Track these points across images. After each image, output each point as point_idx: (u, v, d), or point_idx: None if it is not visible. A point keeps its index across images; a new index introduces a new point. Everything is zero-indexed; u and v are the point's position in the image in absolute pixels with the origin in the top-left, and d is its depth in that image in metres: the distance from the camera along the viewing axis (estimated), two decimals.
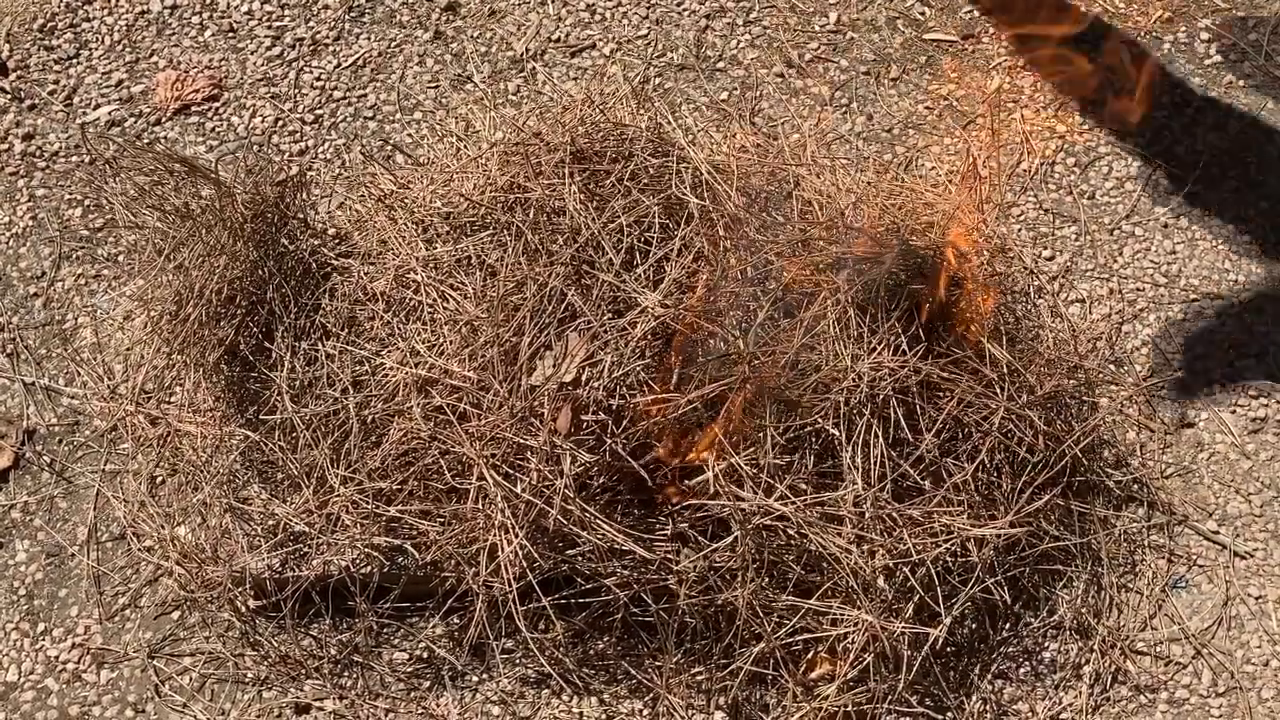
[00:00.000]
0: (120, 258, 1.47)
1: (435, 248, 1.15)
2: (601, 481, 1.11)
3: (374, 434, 1.15)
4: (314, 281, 1.22)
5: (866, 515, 1.12)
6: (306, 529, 1.14)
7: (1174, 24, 1.65)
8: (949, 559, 1.16)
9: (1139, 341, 1.43)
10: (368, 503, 1.12)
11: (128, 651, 1.27)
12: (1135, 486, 1.33)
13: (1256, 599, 1.29)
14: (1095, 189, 1.53)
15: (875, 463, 1.13)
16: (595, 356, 1.09)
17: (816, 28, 1.65)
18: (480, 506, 1.09)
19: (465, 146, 1.28)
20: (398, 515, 1.11)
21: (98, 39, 1.64)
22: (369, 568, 1.18)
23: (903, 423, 1.13)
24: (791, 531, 1.13)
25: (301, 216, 1.26)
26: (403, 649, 1.25)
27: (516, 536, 1.07)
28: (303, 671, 1.24)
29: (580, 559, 1.14)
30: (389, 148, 1.54)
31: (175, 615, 1.28)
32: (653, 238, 1.16)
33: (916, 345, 1.18)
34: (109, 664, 1.26)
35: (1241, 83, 1.62)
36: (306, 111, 1.57)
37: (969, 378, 1.21)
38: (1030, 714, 1.24)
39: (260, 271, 1.20)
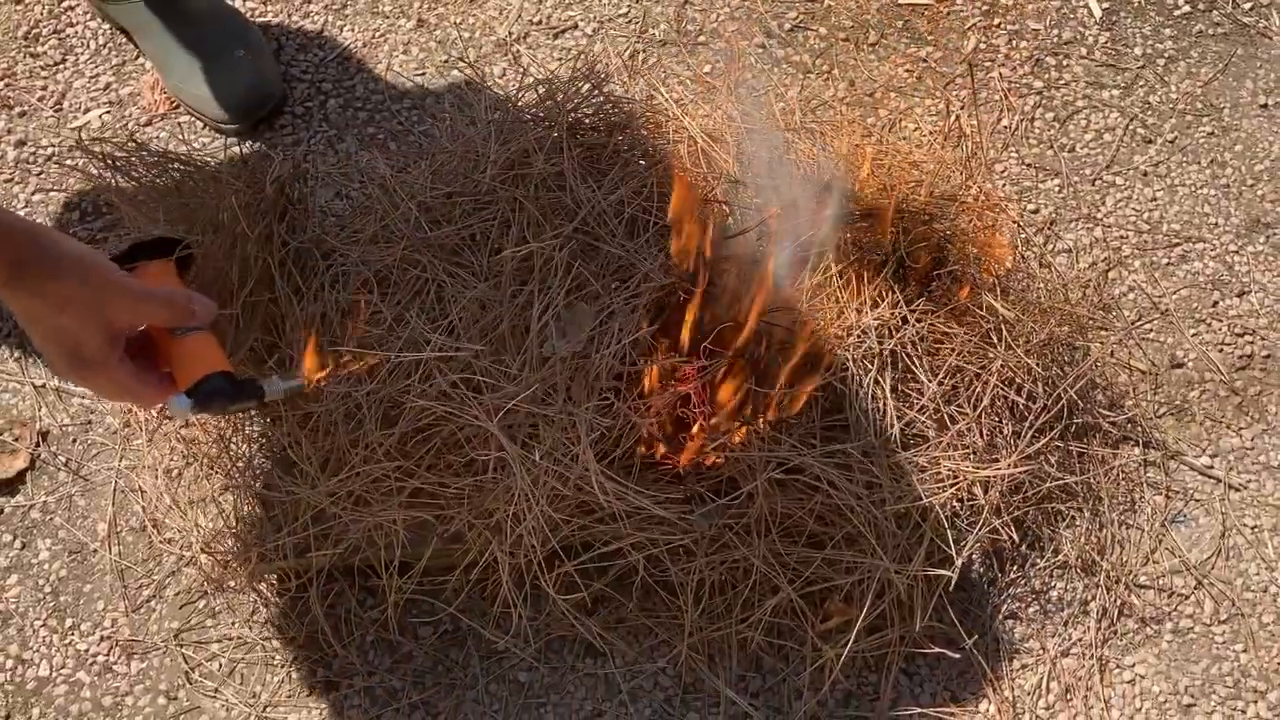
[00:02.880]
0: None
1: (441, 228, 1.17)
2: (619, 450, 1.14)
3: (390, 414, 1.17)
4: (318, 270, 1.24)
5: (876, 464, 1.15)
6: (331, 507, 1.16)
7: None
8: (956, 503, 1.20)
9: (1125, 287, 1.47)
10: (389, 478, 1.14)
11: (156, 641, 1.29)
12: (1130, 426, 1.37)
13: (1252, 529, 1.34)
14: (1075, 141, 1.57)
15: (881, 413, 1.17)
16: (604, 324, 1.11)
17: None
18: (499, 476, 1.11)
19: (462, 127, 1.29)
20: (419, 487, 1.13)
21: (83, 44, 1.65)
22: (392, 544, 1.21)
23: (914, 369, 1.16)
24: (802, 484, 1.16)
25: (302, 206, 1.28)
26: (428, 622, 1.28)
27: (537, 504, 1.09)
28: (330, 650, 1.27)
29: (599, 524, 1.16)
30: (381, 135, 1.56)
31: (200, 603, 1.30)
32: (652, 206, 1.19)
33: (915, 300, 1.22)
34: (138, 654, 1.28)
35: (1211, 31, 1.65)
36: (297, 105, 1.59)
37: (965, 330, 1.25)
38: (1041, 651, 1.27)
39: (265, 262, 1.21)
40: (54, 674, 1.28)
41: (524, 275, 1.16)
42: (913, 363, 1.20)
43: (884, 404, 1.17)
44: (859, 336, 1.17)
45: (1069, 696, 1.26)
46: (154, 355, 0.98)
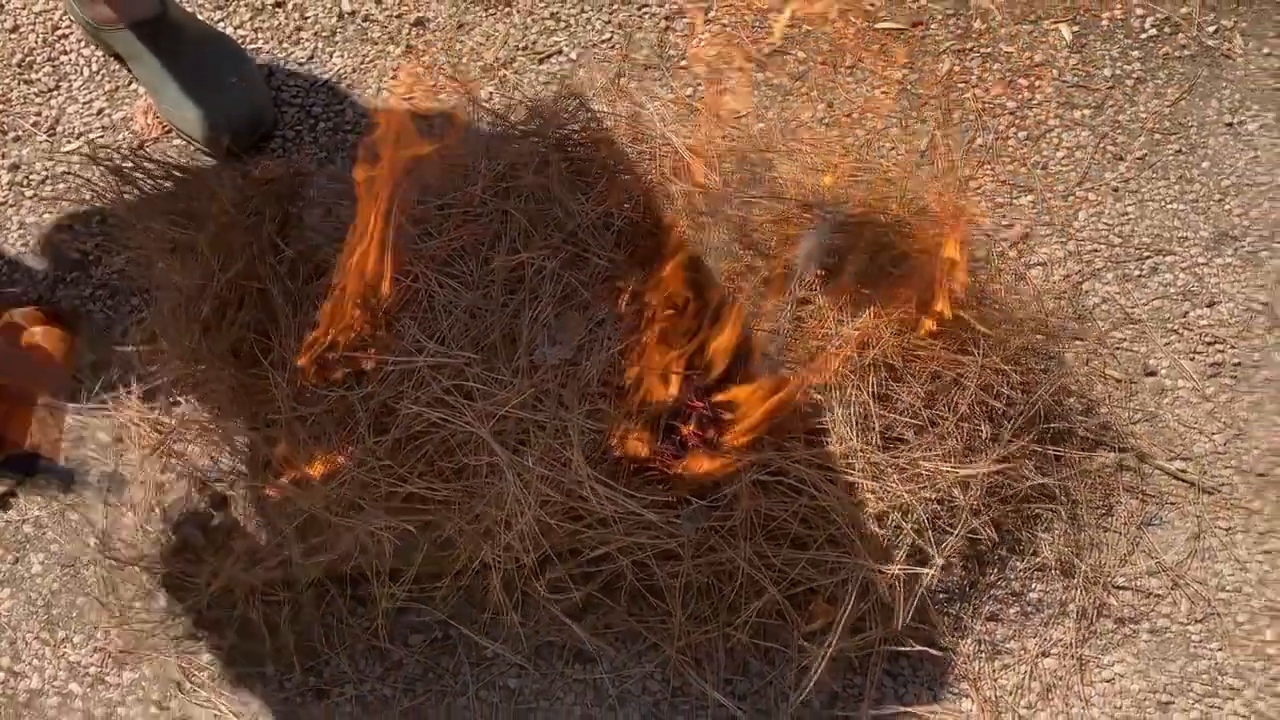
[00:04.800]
0: (114, 279, 1.51)
1: (432, 239, 1.20)
2: (609, 457, 1.16)
3: (382, 421, 1.19)
4: (312, 279, 1.26)
5: (856, 465, 1.18)
6: (326, 515, 1.18)
7: (1110, 2, 1.74)
8: (936, 505, 1.22)
9: (1099, 299, 1.51)
10: (379, 484, 1.16)
11: (148, 652, 1.30)
12: (1104, 432, 1.40)
13: (1225, 530, 1.37)
14: (1047, 159, 1.61)
15: (862, 416, 1.19)
16: (594, 332, 1.14)
17: (773, 23, 1.73)
18: (491, 481, 1.13)
19: (453, 143, 1.33)
20: (412, 493, 1.15)
21: (76, 70, 1.68)
22: (383, 551, 1.22)
23: (894, 376, 1.19)
24: (785, 487, 1.19)
25: (299, 218, 1.30)
26: (418, 629, 1.29)
27: (529, 508, 1.11)
28: (321, 658, 1.28)
29: (587, 529, 1.19)
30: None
31: (192, 615, 1.31)
32: (638, 219, 1.22)
33: (894, 311, 1.25)
34: (130, 665, 1.29)
35: (1177, 54, 1.70)
36: (288, 129, 1.62)
37: (942, 341, 1.28)
38: (1022, 651, 1.30)
39: (259, 271, 1.24)
40: (46, 686, 1.28)
41: (513, 285, 1.18)
42: (892, 369, 1.23)
43: (865, 408, 1.20)
44: (841, 345, 1.20)
45: (1049, 695, 1.28)
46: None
